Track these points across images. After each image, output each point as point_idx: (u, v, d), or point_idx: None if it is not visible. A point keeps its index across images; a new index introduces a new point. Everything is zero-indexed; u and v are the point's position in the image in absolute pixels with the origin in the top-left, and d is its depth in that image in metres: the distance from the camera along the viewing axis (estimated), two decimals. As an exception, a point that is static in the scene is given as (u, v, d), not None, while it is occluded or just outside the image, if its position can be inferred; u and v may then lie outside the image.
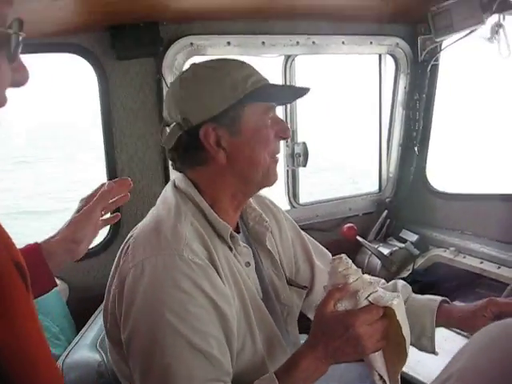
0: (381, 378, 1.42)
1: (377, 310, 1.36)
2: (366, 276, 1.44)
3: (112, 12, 2.00)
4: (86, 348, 1.70)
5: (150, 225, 1.48)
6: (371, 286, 1.40)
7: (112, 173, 2.42)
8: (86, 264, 2.37)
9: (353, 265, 1.44)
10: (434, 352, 1.79)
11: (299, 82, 2.83)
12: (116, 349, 1.47)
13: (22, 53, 2.23)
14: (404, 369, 2.02)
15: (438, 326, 1.76)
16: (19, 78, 0.83)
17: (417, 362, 2.08)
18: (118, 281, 1.41)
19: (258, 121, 1.50)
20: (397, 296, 1.38)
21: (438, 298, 1.78)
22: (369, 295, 1.38)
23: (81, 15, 2.01)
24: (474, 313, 1.71)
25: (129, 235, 1.52)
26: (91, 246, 2.33)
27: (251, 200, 1.71)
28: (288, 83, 2.79)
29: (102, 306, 1.55)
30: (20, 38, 0.80)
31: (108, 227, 2.41)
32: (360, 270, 1.45)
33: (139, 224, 1.54)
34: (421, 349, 1.81)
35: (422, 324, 1.76)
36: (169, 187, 1.59)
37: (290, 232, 1.88)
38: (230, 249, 1.52)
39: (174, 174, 2.01)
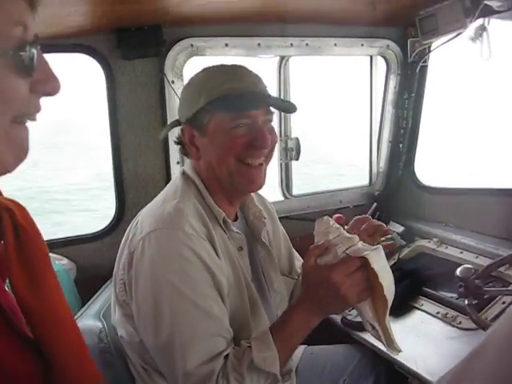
0: (373, 327, 1.49)
1: (352, 260, 1.44)
2: (347, 233, 1.52)
3: (118, 16, 2.18)
4: (90, 317, 1.89)
5: (158, 203, 1.70)
6: (350, 241, 1.48)
7: (117, 163, 2.59)
8: (93, 246, 2.58)
9: (335, 224, 1.54)
10: None
11: (293, 82, 2.98)
12: (123, 311, 1.67)
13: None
14: (382, 348, 2.17)
15: None
16: (49, 88, 0.86)
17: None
18: (127, 251, 1.62)
19: (222, 127, 1.64)
20: (375, 248, 1.43)
21: None
22: (347, 249, 1.46)
23: (89, 19, 2.18)
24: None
25: (139, 214, 1.73)
26: (98, 229, 2.53)
27: (253, 198, 1.93)
28: (282, 82, 2.94)
29: (108, 282, 1.76)
30: (33, 52, 0.83)
31: (114, 212, 2.63)
32: (341, 228, 1.54)
33: (148, 204, 1.76)
34: None
35: None
36: (179, 173, 1.82)
37: (282, 235, 2.11)
38: (225, 232, 1.72)
39: (174, 166, 2.24)
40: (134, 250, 1.58)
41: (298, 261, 2.13)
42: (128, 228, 1.72)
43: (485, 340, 0.92)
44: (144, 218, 1.65)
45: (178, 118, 1.79)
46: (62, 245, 2.53)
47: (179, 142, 1.79)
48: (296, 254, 2.17)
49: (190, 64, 2.57)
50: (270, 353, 1.50)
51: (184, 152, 1.80)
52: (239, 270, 1.70)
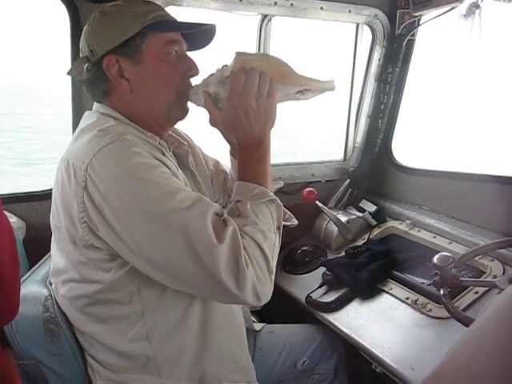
0: (303, 92, 1.60)
1: (236, 75, 1.49)
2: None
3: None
4: (36, 283, 1.73)
5: (82, 138, 1.50)
6: (221, 72, 1.55)
7: (78, 117, 2.37)
8: (45, 204, 2.35)
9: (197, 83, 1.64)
10: None
11: (274, 44, 2.81)
12: (92, 256, 1.48)
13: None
14: (347, 331, 2.13)
15: None
16: None
17: (360, 325, 2.14)
18: (77, 190, 1.40)
19: (160, 52, 1.59)
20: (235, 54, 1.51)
21: None
22: (219, 81, 1.56)
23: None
24: None
25: (60, 161, 1.53)
26: (49, 187, 2.33)
27: None
28: (262, 44, 2.77)
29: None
30: None
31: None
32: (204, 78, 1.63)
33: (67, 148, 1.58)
34: None
35: None
36: (85, 115, 1.67)
37: (203, 157, 2.01)
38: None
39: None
40: (85, 182, 1.38)
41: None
42: (55, 177, 1.54)
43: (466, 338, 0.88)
44: (76, 154, 1.46)
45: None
46: (10, 201, 2.32)
47: (91, 80, 1.63)
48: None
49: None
50: (256, 189, 1.49)
51: (98, 92, 1.64)
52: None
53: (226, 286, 1.34)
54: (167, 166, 1.49)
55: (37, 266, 1.88)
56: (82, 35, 1.63)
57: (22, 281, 1.76)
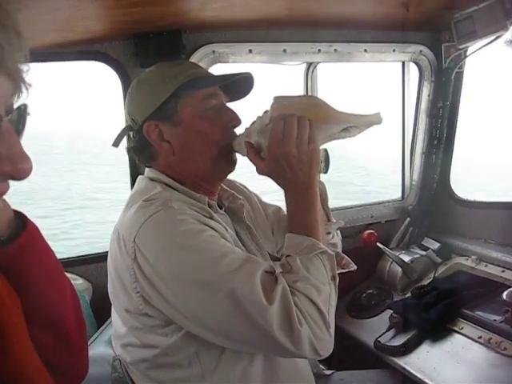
0: (347, 129, 1.52)
1: (274, 123, 1.45)
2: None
3: (136, 21, 2.06)
4: (103, 344, 1.76)
5: (131, 209, 1.52)
6: (260, 120, 1.52)
7: (134, 177, 2.44)
8: (109, 265, 2.42)
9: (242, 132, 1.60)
10: None
11: (321, 90, 2.85)
12: (147, 322, 1.49)
13: (49, 61, 2.28)
14: (419, 375, 2.06)
15: None
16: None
17: (432, 368, 2.07)
18: (127, 262, 1.43)
19: (196, 109, 1.60)
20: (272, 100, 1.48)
21: None
22: (259, 130, 1.52)
23: (105, 24, 2.07)
24: None
25: (113, 231, 1.56)
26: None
27: (222, 184, 1.79)
28: (309, 91, 2.81)
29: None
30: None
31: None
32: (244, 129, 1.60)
33: (118, 221, 1.59)
34: None
35: None
36: (138, 179, 1.71)
37: (261, 206, 1.97)
38: (211, 218, 1.57)
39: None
40: (134, 253, 1.40)
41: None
42: (109, 247, 1.57)
43: None
44: (124, 225, 1.49)
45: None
46: (76, 263, 2.40)
47: (136, 147, 1.67)
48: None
49: (212, 72, 2.43)
50: (305, 242, 1.44)
51: (145, 158, 1.67)
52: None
53: (282, 345, 1.33)
54: (214, 229, 1.48)
55: (103, 326, 1.92)
56: (124, 105, 1.68)
57: (90, 342, 1.80)
